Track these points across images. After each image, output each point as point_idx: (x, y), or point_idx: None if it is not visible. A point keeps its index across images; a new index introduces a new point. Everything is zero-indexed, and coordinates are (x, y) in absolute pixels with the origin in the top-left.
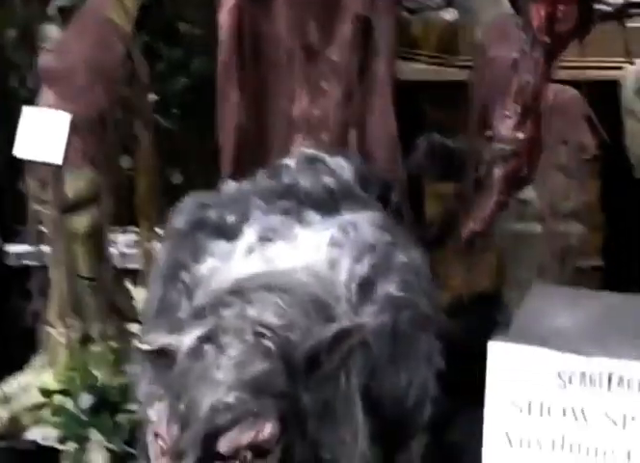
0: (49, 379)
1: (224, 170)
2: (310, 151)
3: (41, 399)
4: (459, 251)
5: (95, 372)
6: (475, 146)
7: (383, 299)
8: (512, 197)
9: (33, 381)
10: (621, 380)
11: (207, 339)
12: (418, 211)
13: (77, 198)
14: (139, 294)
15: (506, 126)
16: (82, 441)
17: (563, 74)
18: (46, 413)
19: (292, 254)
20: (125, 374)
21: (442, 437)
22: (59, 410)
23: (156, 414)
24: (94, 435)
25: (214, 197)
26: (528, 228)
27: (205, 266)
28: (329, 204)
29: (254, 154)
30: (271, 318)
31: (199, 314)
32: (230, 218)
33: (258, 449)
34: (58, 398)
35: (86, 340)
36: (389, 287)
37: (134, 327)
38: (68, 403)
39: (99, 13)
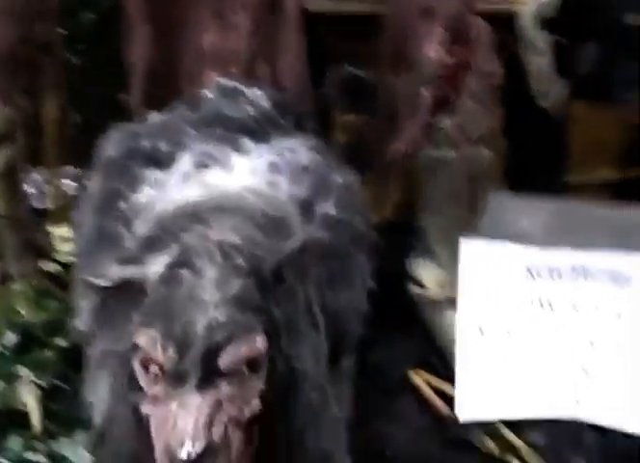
0: None
1: (133, 104)
2: (228, 82)
3: None
4: (380, 175)
5: (19, 310)
6: (387, 76)
7: (321, 219)
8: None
9: None
10: (584, 271)
11: (180, 264)
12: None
13: None
14: (56, 232)
15: (434, 51)
16: (10, 379)
17: None
18: None
19: (231, 179)
20: (49, 310)
21: (366, 357)
22: None
23: (145, 341)
24: (23, 372)
25: (143, 127)
26: (442, 154)
27: (142, 195)
28: (258, 131)
29: (163, 88)
30: (233, 238)
31: (153, 242)
32: (163, 146)
33: (253, 363)
34: None
35: (5, 278)
36: (327, 208)
37: (51, 265)
38: None
39: None
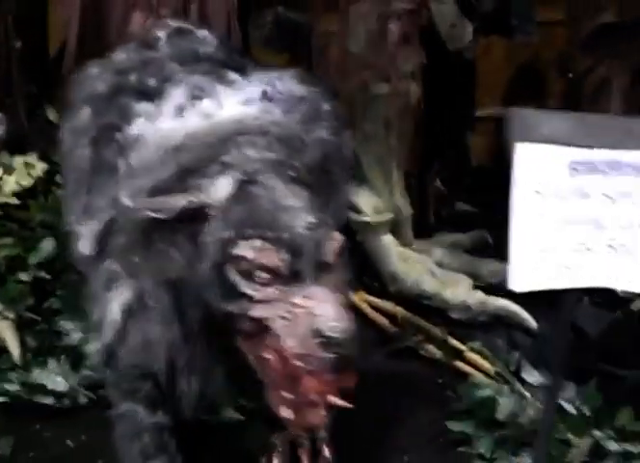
0: None
1: (68, 47)
2: (177, 24)
3: None
4: None
5: None
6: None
7: (316, 142)
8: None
9: None
10: (617, 164)
11: (246, 183)
12: None
13: None
14: None
15: None
16: None
17: None
18: None
19: (226, 109)
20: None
21: None
22: None
23: (250, 252)
24: None
25: (125, 63)
26: (376, 88)
27: (135, 127)
28: (233, 66)
29: (94, 42)
30: (269, 154)
31: (197, 171)
32: (151, 81)
33: (340, 253)
34: None
35: None
36: (321, 133)
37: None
38: None
39: None
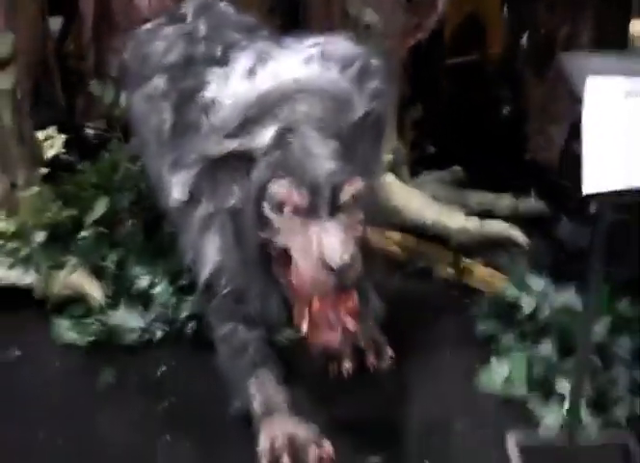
0: None
1: (85, 24)
2: None
3: None
4: None
5: (45, 211)
6: None
7: (372, 91)
8: None
9: None
10: None
11: (287, 131)
12: None
13: (1, 58)
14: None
15: None
16: (59, 266)
17: None
18: None
19: (290, 69)
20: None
21: None
22: (15, 250)
23: (280, 189)
24: (70, 259)
25: (191, 32)
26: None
27: (210, 91)
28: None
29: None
30: (316, 111)
31: (255, 120)
32: (218, 48)
33: (356, 198)
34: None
35: (12, 187)
36: (374, 83)
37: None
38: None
39: None
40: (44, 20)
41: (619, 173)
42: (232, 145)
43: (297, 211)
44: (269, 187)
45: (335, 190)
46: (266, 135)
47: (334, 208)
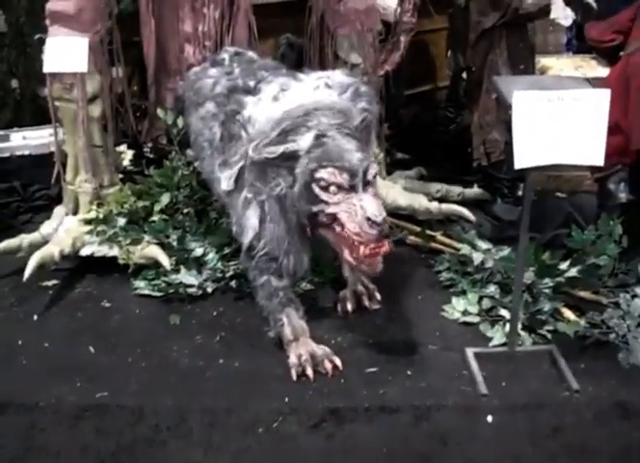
0: (82, 216)
1: (149, 70)
2: (233, 48)
3: (83, 230)
4: None
5: (124, 203)
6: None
7: (362, 107)
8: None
9: (63, 224)
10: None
11: (322, 136)
12: None
13: (93, 93)
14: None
15: (408, 15)
16: (136, 241)
17: None
18: (88, 237)
19: (305, 95)
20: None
21: None
22: (103, 231)
23: (326, 174)
24: (146, 237)
25: (230, 71)
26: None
27: (247, 111)
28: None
29: (161, 57)
30: (336, 121)
31: (293, 130)
32: (251, 82)
33: (375, 176)
34: (100, 226)
35: (100, 187)
36: (362, 103)
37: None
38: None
39: None
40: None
41: (540, 153)
42: (280, 149)
43: (340, 188)
44: (316, 174)
45: (365, 171)
46: (307, 139)
47: (365, 184)
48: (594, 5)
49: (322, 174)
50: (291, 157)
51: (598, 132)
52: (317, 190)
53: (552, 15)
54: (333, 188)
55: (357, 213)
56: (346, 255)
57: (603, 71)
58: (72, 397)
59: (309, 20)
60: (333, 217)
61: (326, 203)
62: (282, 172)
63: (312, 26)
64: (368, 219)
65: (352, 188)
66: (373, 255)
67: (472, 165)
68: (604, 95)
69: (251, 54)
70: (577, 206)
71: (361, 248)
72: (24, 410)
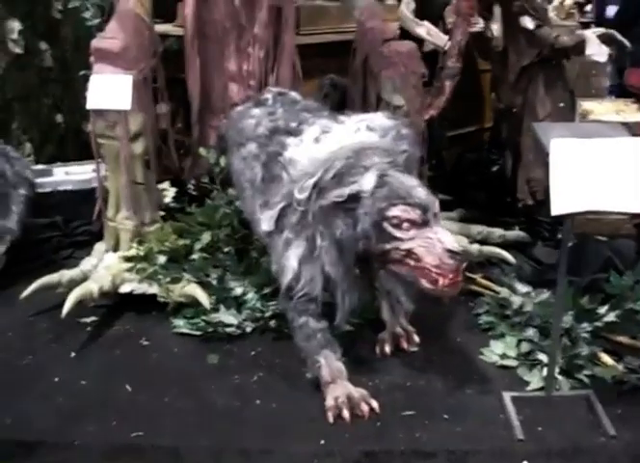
0: (123, 253)
1: (193, 107)
2: (276, 89)
3: (123, 267)
4: None
5: (165, 241)
6: (360, 80)
7: (402, 151)
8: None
9: (103, 261)
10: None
11: (383, 175)
12: None
13: (136, 131)
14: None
15: (453, 60)
16: (176, 280)
17: None
18: (128, 274)
19: (346, 137)
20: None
21: None
22: (143, 269)
23: (400, 212)
24: (186, 275)
25: (274, 112)
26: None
27: (288, 153)
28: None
29: (206, 95)
30: (386, 159)
31: (349, 172)
32: (293, 124)
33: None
34: (140, 263)
35: (142, 224)
36: (403, 146)
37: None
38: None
39: (131, 11)
40: (157, 105)
41: (578, 200)
42: (346, 191)
43: (413, 224)
44: (387, 212)
45: (433, 206)
46: (369, 179)
47: (435, 217)
48: (627, 44)
49: (394, 212)
50: (353, 199)
51: (635, 180)
52: (390, 228)
53: (587, 52)
54: (405, 224)
55: (435, 246)
56: (424, 285)
57: None
58: (107, 437)
59: (353, 62)
60: (408, 252)
61: (400, 239)
62: (341, 214)
63: (356, 67)
64: (448, 250)
65: (424, 223)
66: (452, 284)
67: (517, 205)
68: None
69: (293, 95)
70: (617, 251)
71: (441, 279)
72: (58, 449)
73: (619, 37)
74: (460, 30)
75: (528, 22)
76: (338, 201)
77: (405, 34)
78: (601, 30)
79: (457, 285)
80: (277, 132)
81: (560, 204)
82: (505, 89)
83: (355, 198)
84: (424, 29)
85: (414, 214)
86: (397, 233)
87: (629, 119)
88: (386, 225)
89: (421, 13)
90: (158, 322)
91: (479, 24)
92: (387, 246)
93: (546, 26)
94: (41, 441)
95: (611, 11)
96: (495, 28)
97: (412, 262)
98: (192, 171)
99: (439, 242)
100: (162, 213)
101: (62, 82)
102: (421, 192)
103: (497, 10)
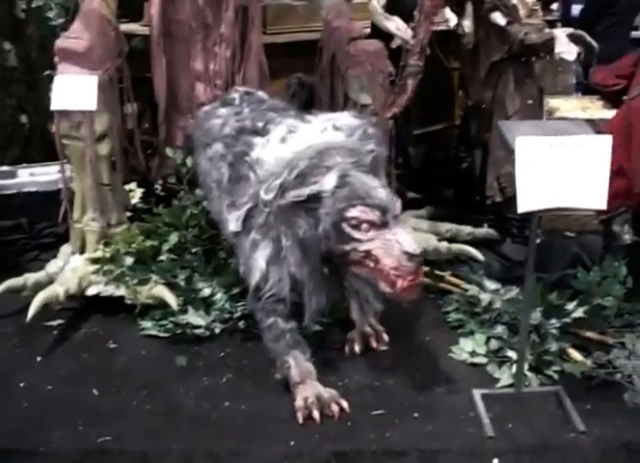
0: (89, 255)
1: (160, 107)
2: (243, 88)
3: (90, 269)
4: None
5: (132, 242)
6: (327, 79)
7: (368, 150)
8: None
9: (69, 263)
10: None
11: (345, 175)
12: None
13: (102, 132)
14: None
15: (415, 58)
16: (144, 282)
17: None
18: (94, 277)
19: (313, 136)
20: (152, 240)
21: None
22: (110, 271)
23: (359, 212)
24: (153, 276)
25: (238, 112)
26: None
27: (255, 153)
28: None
29: (171, 106)
30: (350, 159)
31: (311, 172)
32: (260, 123)
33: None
34: (107, 265)
35: (108, 226)
36: (369, 145)
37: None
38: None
39: (96, 10)
40: (123, 105)
41: (544, 197)
42: (306, 191)
43: (372, 225)
44: (346, 213)
45: (393, 207)
46: (330, 179)
47: (394, 218)
48: (594, 44)
49: (353, 212)
50: (314, 199)
51: (600, 177)
52: (348, 229)
53: (557, 50)
54: (364, 226)
55: (393, 248)
56: (382, 287)
57: (610, 113)
58: (74, 442)
59: (320, 61)
60: (367, 254)
61: (359, 240)
62: (302, 214)
63: (323, 67)
64: (406, 253)
65: (383, 224)
66: (411, 287)
67: (485, 203)
68: (606, 141)
69: (260, 94)
70: (585, 246)
71: (399, 281)
72: (23, 456)
73: (588, 38)
74: (422, 28)
75: (499, 18)
76: (298, 200)
77: (375, 29)
78: (570, 30)
79: (416, 287)
80: (243, 132)
81: (526, 202)
82: (475, 85)
83: (316, 198)
84: (393, 24)
85: (373, 215)
86: (356, 235)
87: (595, 115)
88: (344, 226)
89: (392, 10)
90: (126, 324)
91: (447, 23)
92: (347, 247)
93: (517, 23)
94: (6, 448)
95: (577, 9)
96: (467, 24)
97: (371, 264)
98: (159, 171)
99: (397, 244)
100: (129, 214)
101: (26, 82)
102: (382, 193)
103: (469, 6)
